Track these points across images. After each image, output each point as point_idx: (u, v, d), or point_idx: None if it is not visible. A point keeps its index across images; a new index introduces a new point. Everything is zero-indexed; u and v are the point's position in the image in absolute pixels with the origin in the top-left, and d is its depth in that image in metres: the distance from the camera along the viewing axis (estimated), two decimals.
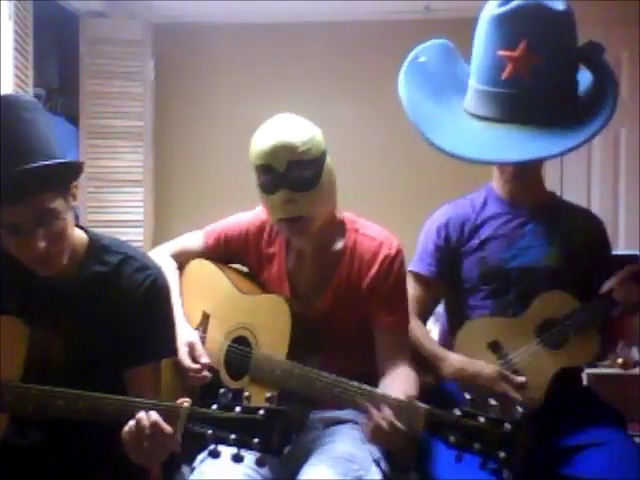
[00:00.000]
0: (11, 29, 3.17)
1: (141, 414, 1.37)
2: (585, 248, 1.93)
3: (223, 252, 1.99)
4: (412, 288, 1.98)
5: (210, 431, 1.29)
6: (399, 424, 1.49)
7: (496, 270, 1.91)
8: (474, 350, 1.84)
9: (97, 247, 1.63)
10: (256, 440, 1.26)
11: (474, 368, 1.81)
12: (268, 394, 1.32)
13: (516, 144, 1.73)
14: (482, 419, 1.33)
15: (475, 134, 1.79)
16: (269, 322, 1.80)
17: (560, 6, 1.69)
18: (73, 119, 4.07)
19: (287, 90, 4.28)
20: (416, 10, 4.21)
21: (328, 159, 1.83)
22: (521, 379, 1.74)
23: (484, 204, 2.00)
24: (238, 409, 1.28)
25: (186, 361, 1.78)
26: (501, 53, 1.72)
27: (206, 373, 1.79)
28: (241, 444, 1.27)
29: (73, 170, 1.56)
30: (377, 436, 1.54)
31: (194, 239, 2.03)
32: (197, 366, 1.78)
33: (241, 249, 1.98)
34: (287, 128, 1.77)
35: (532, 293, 1.88)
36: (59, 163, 1.50)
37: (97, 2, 4.10)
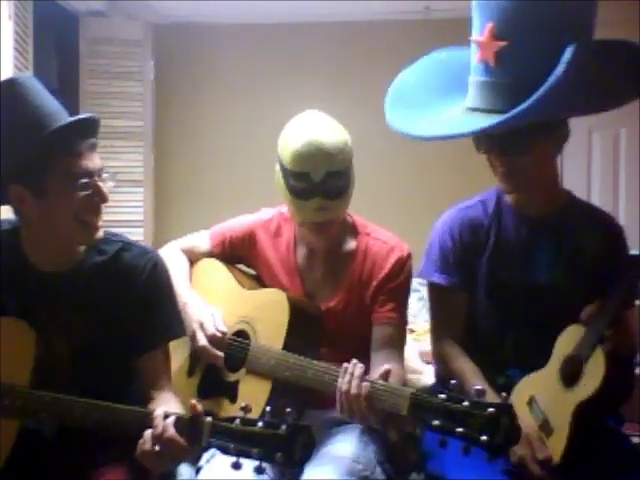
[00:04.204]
0: (11, 29, 3.17)
1: (158, 413, 1.38)
2: (599, 263, 1.78)
3: (228, 253, 2.02)
4: (438, 302, 1.90)
5: (232, 444, 1.31)
6: (364, 391, 1.51)
7: (502, 286, 1.81)
8: (519, 411, 1.73)
9: None
10: (279, 454, 1.28)
11: None
12: (267, 407, 1.34)
13: (449, 126, 1.68)
14: (466, 403, 1.32)
15: (437, 119, 1.74)
16: (267, 314, 1.82)
17: None
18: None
19: (287, 90, 4.29)
20: (416, 10, 4.21)
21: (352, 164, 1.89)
22: (545, 454, 1.59)
23: (495, 208, 1.87)
24: (260, 424, 1.30)
25: (210, 329, 1.79)
26: (472, 38, 1.69)
27: (220, 353, 1.80)
28: (264, 458, 1.29)
29: (98, 126, 1.61)
30: (343, 403, 1.56)
31: (201, 239, 2.06)
32: (219, 334, 1.79)
33: (246, 251, 2.00)
34: (323, 135, 1.78)
35: (538, 313, 1.78)
36: (97, 117, 1.58)
37: (97, 2, 4.10)
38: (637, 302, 1.82)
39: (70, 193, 1.52)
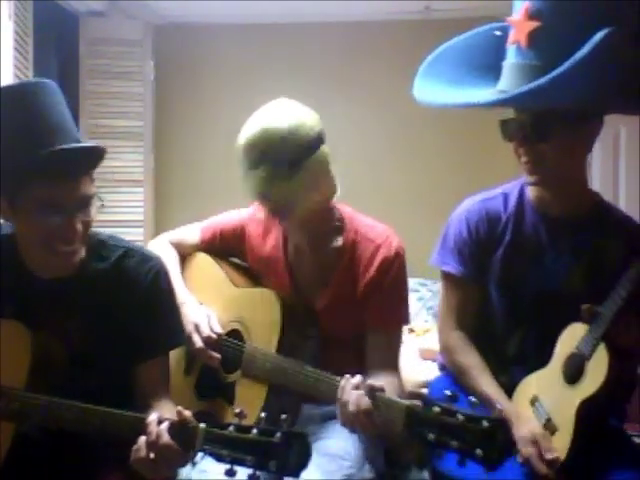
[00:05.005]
0: (11, 29, 3.17)
1: (152, 419, 1.37)
2: (619, 271, 1.68)
3: (219, 247, 2.01)
4: (449, 293, 1.87)
5: (226, 451, 1.29)
6: (363, 404, 1.47)
7: (515, 285, 1.78)
8: (523, 410, 1.71)
9: (95, 243, 1.61)
10: (273, 462, 1.26)
11: (513, 421, 1.64)
12: (262, 414, 1.32)
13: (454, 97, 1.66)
14: (461, 416, 1.31)
15: (462, 95, 1.69)
16: (261, 316, 1.82)
17: None
18: (73, 119, 4.06)
19: (287, 90, 4.27)
20: (416, 10, 4.21)
21: (324, 148, 1.78)
22: (553, 454, 1.58)
23: (516, 203, 1.82)
24: (255, 431, 1.28)
25: (206, 331, 1.79)
26: (508, 18, 1.64)
27: (217, 355, 1.80)
28: (258, 466, 1.27)
29: (103, 154, 1.52)
30: (344, 415, 1.52)
31: (191, 232, 2.05)
32: (214, 336, 1.79)
33: (237, 245, 1.99)
34: (271, 115, 1.78)
35: (549, 316, 1.75)
36: (101, 146, 1.50)
37: (97, 2, 4.10)
38: None
39: (36, 220, 1.46)
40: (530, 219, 1.79)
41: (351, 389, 1.51)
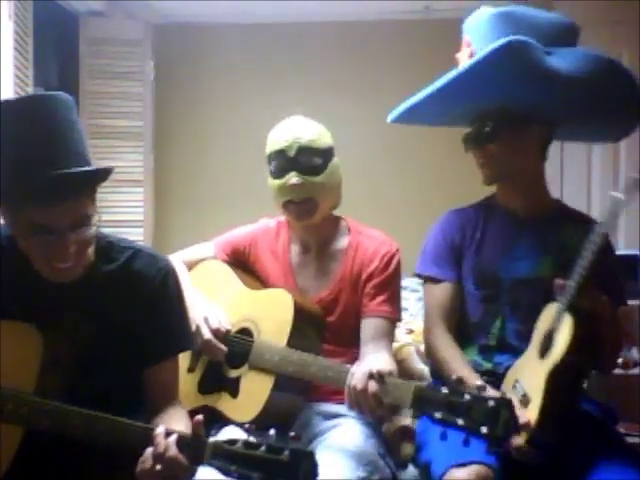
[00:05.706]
0: (11, 29, 3.17)
1: (160, 431, 1.36)
2: None
3: (231, 261, 2.09)
4: (432, 296, 1.99)
5: (234, 467, 1.29)
6: (372, 388, 1.54)
7: (489, 277, 1.93)
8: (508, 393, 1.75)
9: (103, 246, 1.60)
10: None
11: None
12: (271, 431, 1.32)
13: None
14: (467, 396, 1.37)
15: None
16: (272, 313, 1.87)
17: (494, 10, 1.88)
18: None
19: (287, 90, 4.28)
20: (416, 10, 4.21)
21: (336, 159, 1.99)
22: (523, 420, 1.62)
23: (486, 210, 2.02)
24: (263, 448, 1.28)
25: (214, 324, 1.84)
26: (457, 55, 1.94)
27: (223, 347, 1.84)
28: None
29: (106, 176, 1.51)
30: (352, 398, 1.59)
31: (205, 250, 2.13)
32: (223, 329, 1.84)
33: (247, 257, 2.08)
34: (299, 123, 1.98)
35: (522, 303, 1.89)
36: (102, 169, 1.48)
37: (97, 2, 4.10)
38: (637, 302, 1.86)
39: (31, 238, 1.46)
40: (499, 220, 1.99)
41: (361, 374, 1.58)
